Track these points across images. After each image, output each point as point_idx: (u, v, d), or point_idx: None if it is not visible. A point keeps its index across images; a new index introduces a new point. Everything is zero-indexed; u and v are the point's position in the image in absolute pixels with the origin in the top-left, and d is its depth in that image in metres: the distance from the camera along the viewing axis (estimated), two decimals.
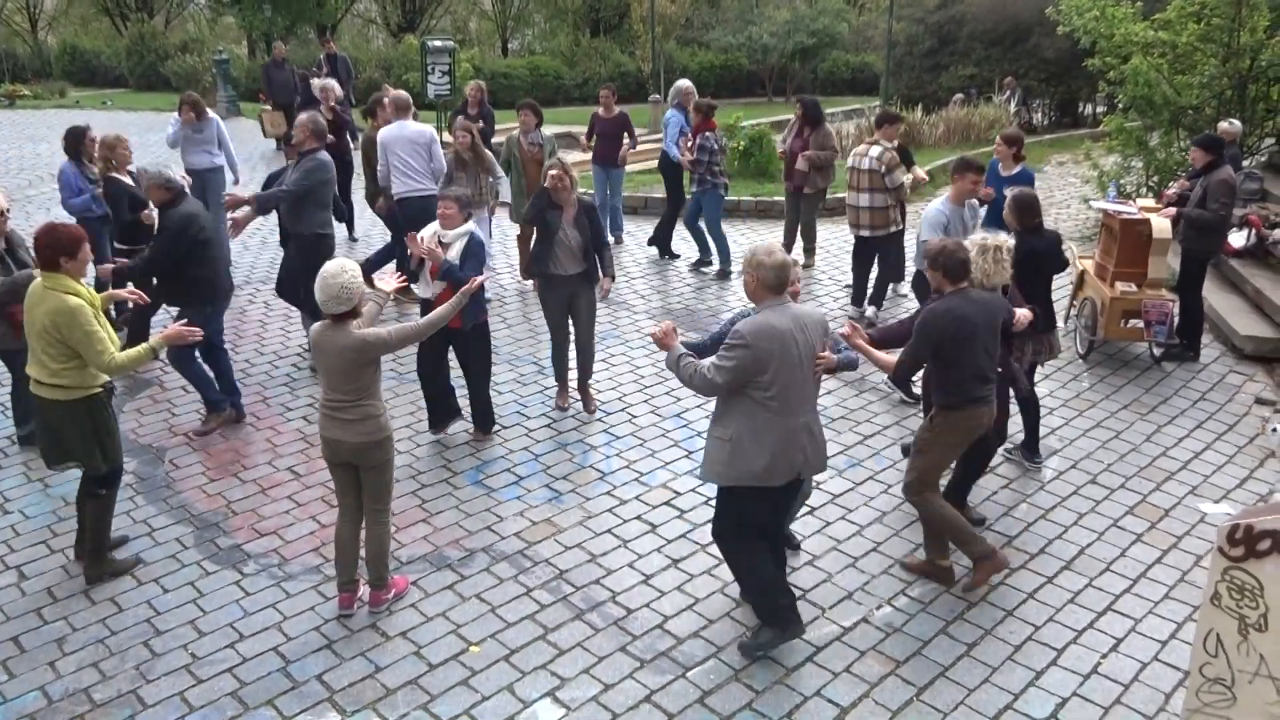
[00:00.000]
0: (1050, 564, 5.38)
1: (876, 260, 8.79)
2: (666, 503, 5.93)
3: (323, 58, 17.17)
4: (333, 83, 11.13)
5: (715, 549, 5.40)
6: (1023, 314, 5.28)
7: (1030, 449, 6.34)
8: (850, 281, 9.10)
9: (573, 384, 7.13)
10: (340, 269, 4.53)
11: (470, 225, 6.17)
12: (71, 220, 6.60)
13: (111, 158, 7.74)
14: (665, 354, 4.54)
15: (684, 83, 10.56)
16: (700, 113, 9.94)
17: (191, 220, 6.37)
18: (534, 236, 6.81)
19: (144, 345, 5.01)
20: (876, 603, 5.04)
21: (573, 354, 7.04)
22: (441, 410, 6.67)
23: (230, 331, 8.36)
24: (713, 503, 5.84)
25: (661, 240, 10.66)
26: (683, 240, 10.61)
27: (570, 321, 6.90)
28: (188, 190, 6.69)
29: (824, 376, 4.80)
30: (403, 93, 9.17)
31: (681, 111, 10.32)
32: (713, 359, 4.36)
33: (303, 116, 7.41)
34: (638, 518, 5.79)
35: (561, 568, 5.31)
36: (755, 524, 4.57)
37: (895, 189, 8.40)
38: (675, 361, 4.46)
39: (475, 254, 6.06)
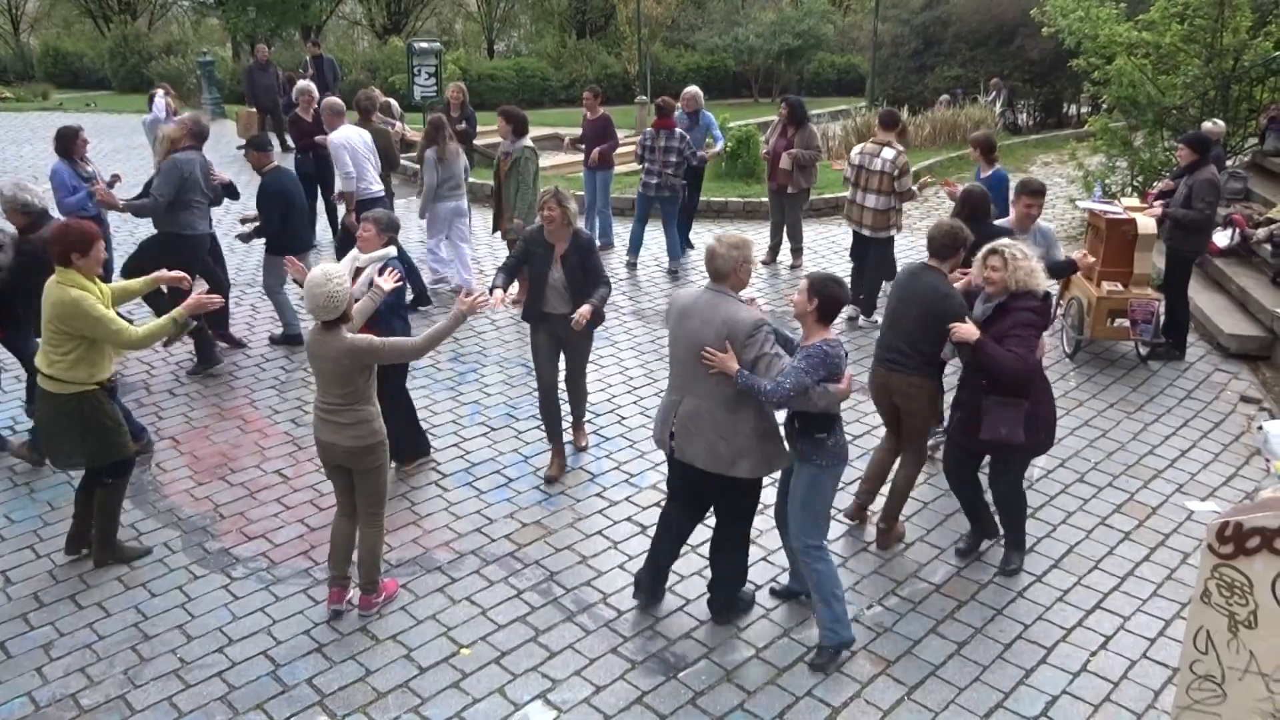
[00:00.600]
0: (1039, 562, 5.40)
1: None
2: (657, 504, 5.92)
3: (308, 59, 17.09)
4: (311, 86, 11.07)
5: (705, 549, 5.41)
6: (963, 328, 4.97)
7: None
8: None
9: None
10: (325, 277, 4.48)
11: (389, 250, 5.81)
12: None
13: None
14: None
15: (691, 89, 10.64)
16: (656, 111, 9.91)
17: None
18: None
19: (165, 317, 5.07)
20: (867, 602, 5.05)
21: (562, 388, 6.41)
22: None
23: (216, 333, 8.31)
24: None
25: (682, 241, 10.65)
26: (650, 243, 10.62)
27: (562, 359, 6.29)
28: (48, 212, 6.33)
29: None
30: (337, 100, 9.27)
31: (686, 117, 10.35)
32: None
33: (185, 116, 7.37)
34: (628, 519, 5.78)
35: (552, 569, 5.30)
36: (669, 488, 4.92)
37: (903, 193, 8.38)
38: (757, 390, 4.36)
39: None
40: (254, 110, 16.03)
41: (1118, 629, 4.88)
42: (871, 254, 8.65)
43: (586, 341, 6.29)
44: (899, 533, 5.56)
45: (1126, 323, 7.72)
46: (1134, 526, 5.76)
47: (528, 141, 8.76)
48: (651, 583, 4.98)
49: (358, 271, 5.68)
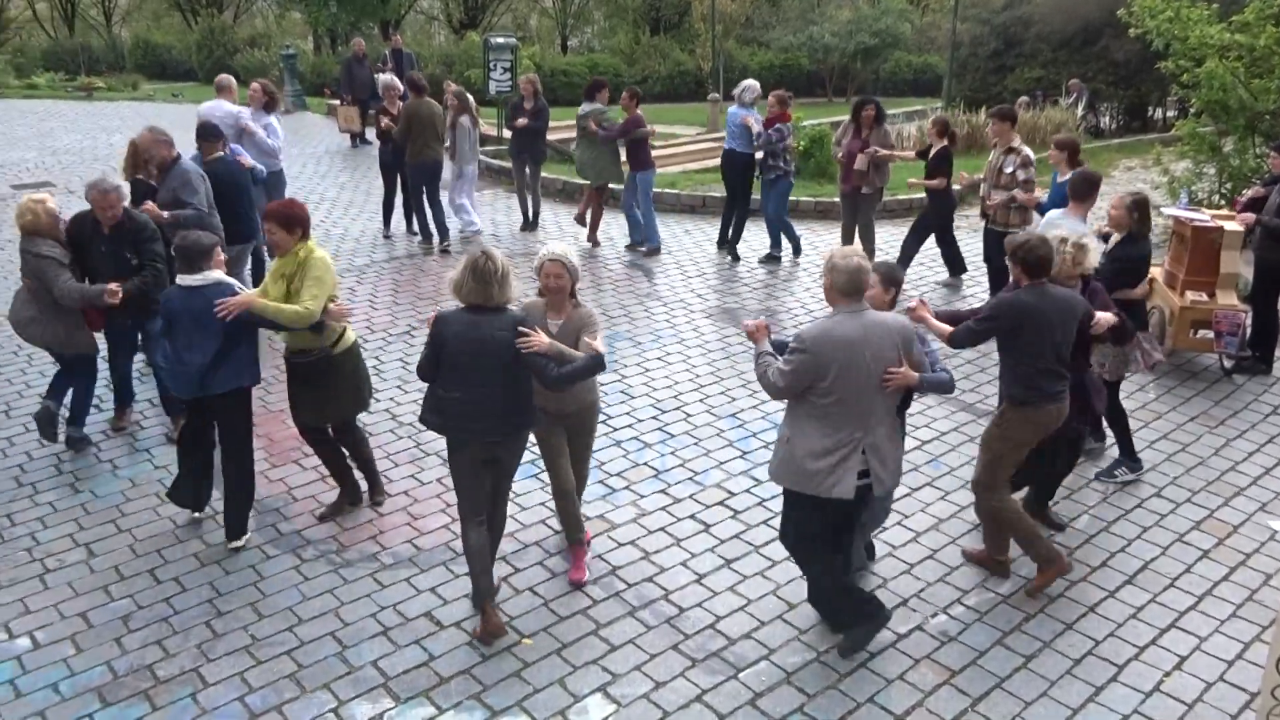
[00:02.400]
0: (1112, 578, 5.26)
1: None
2: (720, 503, 5.92)
3: (387, 53, 17.39)
4: (394, 79, 11.27)
5: (769, 550, 5.39)
6: (1104, 317, 5.14)
7: (1128, 457, 6.24)
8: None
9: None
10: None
11: (217, 274, 5.21)
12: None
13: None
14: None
15: (751, 82, 10.53)
16: (779, 103, 10.07)
17: None
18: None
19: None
20: (932, 610, 4.98)
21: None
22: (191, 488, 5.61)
23: None
24: (767, 505, 5.85)
25: (731, 243, 10.59)
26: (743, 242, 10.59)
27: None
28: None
29: (913, 395, 4.76)
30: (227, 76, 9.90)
31: (746, 110, 10.26)
32: (779, 361, 4.35)
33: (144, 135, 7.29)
34: (691, 516, 5.78)
35: (614, 564, 5.32)
36: (813, 534, 4.50)
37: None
38: (756, 358, 4.50)
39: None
40: (353, 105, 16.32)
41: (1194, 649, 4.73)
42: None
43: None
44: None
45: (1210, 334, 7.48)
46: (1213, 544, 5.58)
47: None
48: (867, 601, 4.70)
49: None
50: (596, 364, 4.66)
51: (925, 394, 4.36)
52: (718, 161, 11.42)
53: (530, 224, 11.59)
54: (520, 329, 4.48)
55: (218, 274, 5.18)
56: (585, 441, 5.30)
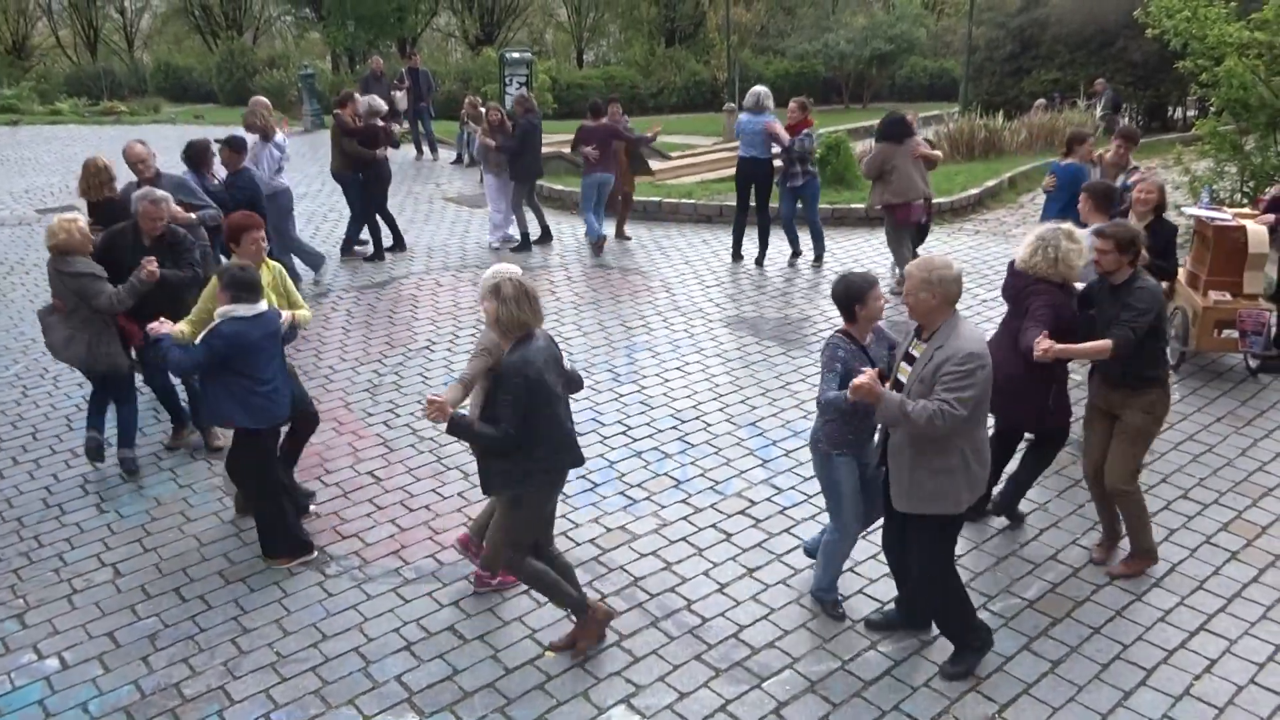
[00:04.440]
0: (1139, 581, 5.20)
1: None
2: (741, 512, 5.90)
3: (404, 71, 17.52)
4: (378, 100, 11.31)
5: (791, 559, 5.38)
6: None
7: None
8: None
9: None
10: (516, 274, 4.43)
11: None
12: None
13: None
14: (880, 407, 4.15)
15: (762, 88, 10.53)
16: (800, 109, 10.21)
17: None
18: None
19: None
20: None
21: None
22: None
23: (313, 337, 8.59)
24: (788, 514, 5.83)
25: (759, 259, 10.62)
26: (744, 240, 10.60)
27: None
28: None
29: None
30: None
31: (768, 116, 10.26)
32: (942, 392, 4.04)
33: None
34: (713, 526, 5.77)
35: (636, 574, 5.32)
36: (950, 554, 4.49)
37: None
38: (900, 408, 4.07)
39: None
40: None
41: (1223, 652, 4.67)
42: None
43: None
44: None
45: (1235, 334, 7.40)
46: (1242, 546, 5.51)
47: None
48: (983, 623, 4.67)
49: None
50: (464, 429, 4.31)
51: None
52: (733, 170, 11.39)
53: (524, 244, 11.37)
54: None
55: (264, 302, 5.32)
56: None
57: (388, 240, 11.15)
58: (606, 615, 4.77)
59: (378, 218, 10.96)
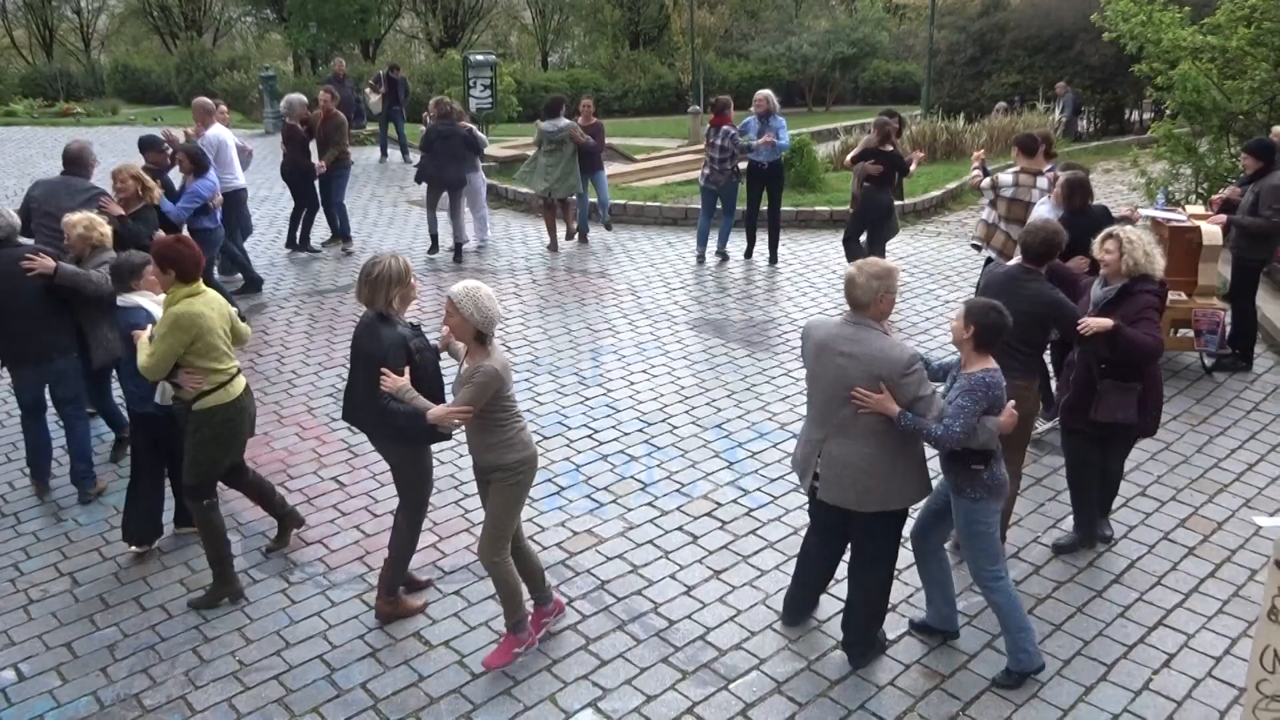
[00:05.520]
0: (1099, 577, 5.28)
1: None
2: (708, 514, 5.92)
3: (382, 74, 17.51)
4: (301, 98, 11.50)
5: (757, 560, 5.42)
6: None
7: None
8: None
9: None
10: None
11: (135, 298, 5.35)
12: None
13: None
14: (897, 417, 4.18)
15: (763, 91, 10.81)
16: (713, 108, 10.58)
17: None
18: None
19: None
20: (918, 615, 4.98)
21: None
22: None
23: (276, 342, 8.50)
24: (754, 515, 5.86)
25: (770, 254, 10.77)
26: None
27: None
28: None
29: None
30: (207, 99, 10.12)
31: (758, 120, 10.49)
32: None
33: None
34: (679, 529, 5.78)
35: (603, 578, 5.32)
36: (812, 520, 4.80)
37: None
38: (916, 427, 4.18)
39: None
40: None
41: (1181, 646, 4.75)
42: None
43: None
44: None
45: (1190, 333, 7.54)
46: (1199, 542, 5.61)
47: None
48: (801, 607, 4.89)
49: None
50: (417, 418, 4.36)
51: (904, 430, 4.18)
52: (697, 174, 11.41)
53: (434, 248, 11.26)
54: (382, 367, 4.39)
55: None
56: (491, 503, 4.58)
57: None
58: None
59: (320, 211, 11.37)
